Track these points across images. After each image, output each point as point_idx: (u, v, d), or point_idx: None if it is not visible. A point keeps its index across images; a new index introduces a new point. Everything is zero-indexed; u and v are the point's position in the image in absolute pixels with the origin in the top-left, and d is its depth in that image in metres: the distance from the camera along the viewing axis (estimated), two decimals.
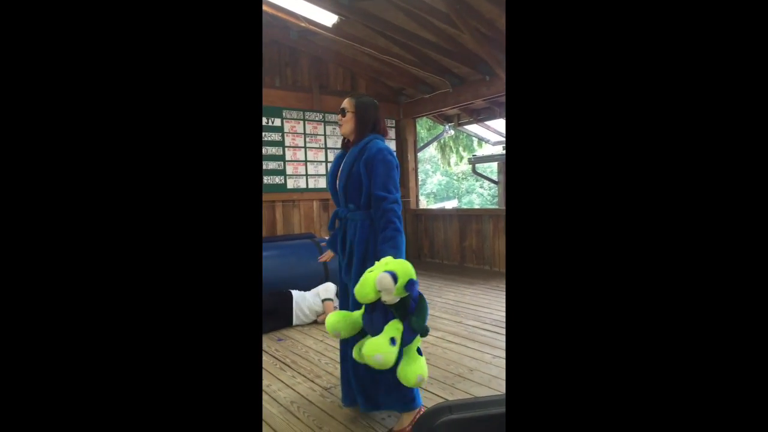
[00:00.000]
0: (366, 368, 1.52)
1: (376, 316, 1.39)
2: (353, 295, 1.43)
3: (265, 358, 2.52)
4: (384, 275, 1.29)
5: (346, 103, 1.66)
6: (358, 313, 1.48)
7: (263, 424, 1.78)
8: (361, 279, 1.33)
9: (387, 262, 1.36)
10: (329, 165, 4.79)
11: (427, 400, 1.91)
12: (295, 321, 3.09)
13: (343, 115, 1.65)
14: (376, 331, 1.37)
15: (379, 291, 1.30)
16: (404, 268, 1.35)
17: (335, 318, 1.47)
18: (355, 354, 1.50)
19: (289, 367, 2.38)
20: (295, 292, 3.18)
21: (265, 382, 2.18)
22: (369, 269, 1.38)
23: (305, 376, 2.24)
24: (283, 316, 3.07)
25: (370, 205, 1.56)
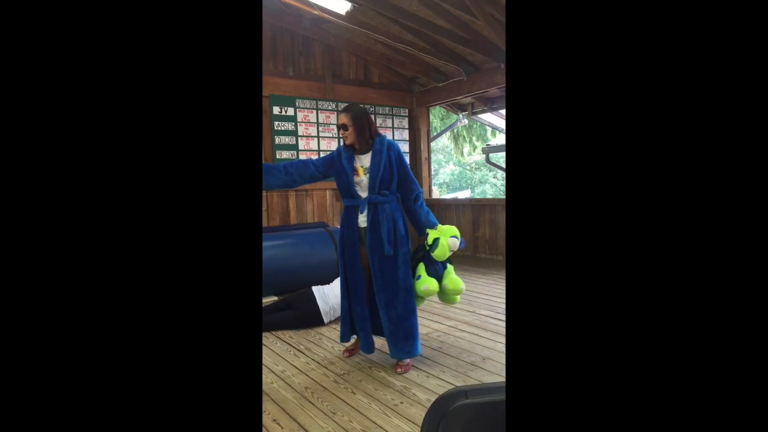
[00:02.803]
0: (396, 320, 2.13)
1: (439, 266, 2.14)
2: (387, 259, 2.09)
3: (279, 344, 2.56)
4: (453, 240, 2.10)
5: (345, 119, 2.09)
6: (423, 272, 2.15)
7: (279, 408, 1.81)
8: (439, 245, 2.07)
9: (444, 231, 2.12)
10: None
11: (439, 388, 1.93)
12: (326, 319, 2.87)
13: (346, 130, 2.09)
14: (441, 273, 2.14)
15: (452, 251, 2.11)
16: (456, 232, 2.14)
17: (434, 283, 2.11)
18: (426, 290, 2.10)
19: (303, 353, 2.41)
20: (315, 289, 2.94)
21: (279, 368, 2.22)
22: (431, 237, 2.10)
23: (319, 363, 2.27)
24: (312, 316, 2.86)
25: (397, 189, 2.15)
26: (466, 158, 12.27)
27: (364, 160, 2.11)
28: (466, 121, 6.63)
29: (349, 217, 2.14)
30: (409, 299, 2.10)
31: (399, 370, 2.11)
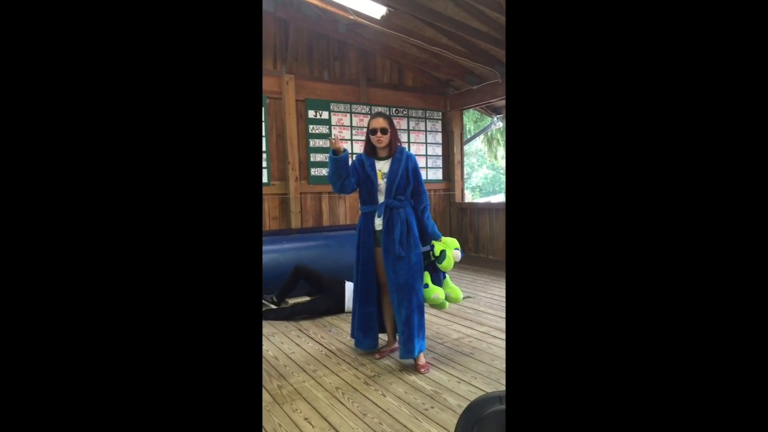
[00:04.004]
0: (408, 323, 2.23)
1: (440, 274, 2.34)
2: (405, 261, 2.20)
3: (311, 344, 2.60)
4: (457, 253, 2.28)
5: (385, 122, 2.20)
6: (429, 281, 2.32)
7: (310, 407, 1.84)
8: (447, 257, 2.24)
9: (449, 243, 2.30)
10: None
11: (471, 395, 1.90)
12: (346, 307, 3.22)
13: (384, 134, 2.20)
14: (441, 282, 2.33)
15: (456, 261, 2.28)
16: (458, 244, 2.33)
17: (442, 292, 2.29)
18: (436, 298, 2.27)
19: (334, 354, 2.44)
20: (348, 283, 3.24)
21: (311, 368, 2.25)
22: (438, 249, 2.26)
23: (350, 364, 2.29)
24: (336, 301, 3.19)
25: (411, 196, 2.29)
26: (500, 162, 12.06)
27: (383, 166, 2.25)
28: (500, 123, 6.53)
29: (366, 222, 2.28)
30: (419, 298, 2.21)
31: (422, 369, 2.16)
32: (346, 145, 4.69)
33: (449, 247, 2.26)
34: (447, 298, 2.31)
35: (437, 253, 2.25)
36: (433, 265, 2.29)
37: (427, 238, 2.30)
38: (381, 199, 2.25)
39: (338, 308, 3.20)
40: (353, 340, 2.43)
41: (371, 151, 2.28)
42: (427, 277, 2.29)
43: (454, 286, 2.36)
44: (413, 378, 2.09)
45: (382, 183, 2.23)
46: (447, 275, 2.37)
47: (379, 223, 2.24)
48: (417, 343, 2.18)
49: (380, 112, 2.30)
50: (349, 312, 3.20)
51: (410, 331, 2.17)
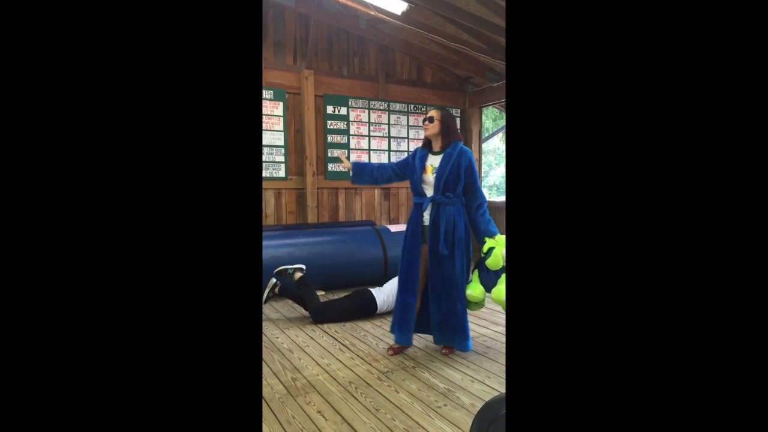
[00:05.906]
0: (452, 315, 2.26)
1: (491, 274, 2.17)
2: (442, 261, 2.21)
3: (325, 338, 2.62)
4: None
5: (434, 112, 2.27)
6: (475, 277, 2.25)
7: (324, 401, 1.86)
8: (492, 255, 2.12)
9: (501, 241, 2.15)
10: (393, 155, 4.83)
11: (484, 394, 1.89)
12: (380, 308, 3.03)
13: (431, 122, 2.24)
14: (492, 282, 2.14)
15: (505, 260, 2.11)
16: None
17: (479, 290, 2.21)
18: (469, 295, 2.22)
19: (348, 348, 2.45)
20: (373, 290, 3.05)
21: (325, 361, 2.27)
22: (487, 246, 2.18)
23: (363, 359, 2.30)
24: (368, 304, 2.99)
25: (463, 194, 2.25)
26: None
27: (435, 161, 2.25)
28: None
29: (415, 214, 2.29)
30: (463, 297, 2.22)
31: (444, 351, 2.31)
32: (364, 141, 4.70)
33: (500, 245, 2.13)
34: (493, 299, 2.14)
35: (485, 250, 2.17)
36: (482, 264, 2.19)
37: (479, 235, 2.24)
38: (429, 192, 2.24)
39: (369, 310, 2.98)
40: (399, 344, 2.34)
41: (427, 143, 2.30)
42: (474, 274, 2.23)
43: (501, 288, 2.14)
44: (426, 375, 2.10)
45: (430, 177, 2.22)
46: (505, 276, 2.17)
47: (426, 217, 2.25)
48: (467, 341, 2.25)
49: (440, 107, 2.37)
50: (379, 313, 3.03)
51: (455, 324, 2.22)
